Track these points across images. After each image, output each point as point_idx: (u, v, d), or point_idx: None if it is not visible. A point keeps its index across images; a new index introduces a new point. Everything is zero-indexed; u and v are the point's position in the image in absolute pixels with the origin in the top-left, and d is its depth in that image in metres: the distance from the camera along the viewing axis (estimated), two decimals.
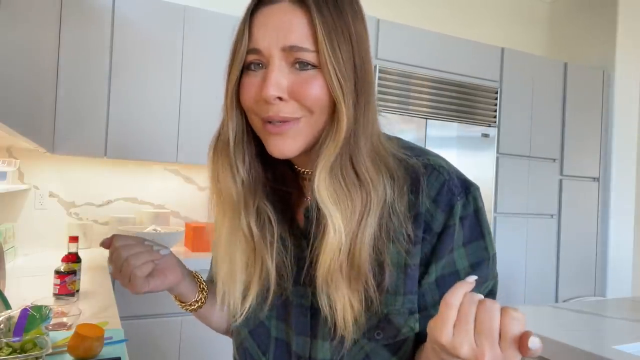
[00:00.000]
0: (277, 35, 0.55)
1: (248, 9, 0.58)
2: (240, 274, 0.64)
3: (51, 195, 2.51)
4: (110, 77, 2.33)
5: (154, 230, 2.42)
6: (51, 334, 1.02)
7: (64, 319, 1.19)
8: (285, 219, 0.66)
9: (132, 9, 2.36)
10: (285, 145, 0.58)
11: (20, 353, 0.84)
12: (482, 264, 0.60)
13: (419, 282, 0.60)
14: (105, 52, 2.32)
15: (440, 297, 0.56)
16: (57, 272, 1.49)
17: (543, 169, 3.38)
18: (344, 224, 0.55)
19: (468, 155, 3.06)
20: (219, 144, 0.63)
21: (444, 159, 0.63)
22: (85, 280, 1.74)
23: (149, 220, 2.56)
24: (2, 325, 0.91)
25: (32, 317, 0.94)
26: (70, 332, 0.99)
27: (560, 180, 3.46)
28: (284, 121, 0.56)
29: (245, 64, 0.58)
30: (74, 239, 1.61)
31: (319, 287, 0.58)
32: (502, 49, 3.23)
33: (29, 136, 1.56)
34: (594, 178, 3.61)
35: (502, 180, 3.21)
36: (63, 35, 2.22)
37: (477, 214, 0.60)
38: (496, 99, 3.18)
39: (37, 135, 1.79)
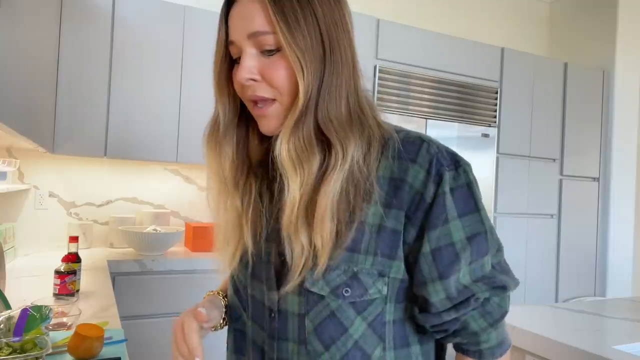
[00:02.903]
0: (242, 25, 0.63)
1: (223, 5, 0.67)
2: (230, 239, 0.71)
3: (51, 195, 2.51)
4: (110, 77, 2.34)
5: (154, 230, 2.42)
6: (51, 334, 1.02)
7: (64, 319, 1.19)
8: (269, 175, 0.71)
9: (132, 9, 2.37)
10: (270, 124, 0.66)
11: (20, 353, 0.84)
12: (478, 236, 0.62)
13: (413, 253, 0.64)
14: (105, 52, 2.32)
15: (438, 270, 0.61)
16: (57, 272, 1.49)
17: (543, 169, 3.39)
18: (303, 182, 0.61)
19: (468, 155, 3.06)
20: (213, 129, 0.71)
21: (436, 140, 0.67)
22: (85, 280, 1.74)
23: (149, 220, 2.56)
24: (2, 325, 0.91)
25: (32, 317, 0.94)
26: (70, 332, 0.99)
27: (560, 180, 3.46)
28: (263, 101, 0.64)
29: (233, 57, 0.67)
30: (74, 239, 1.61)
31: (283, 239, 0.64)
32: (502, 49, 3.23)
33: (29, 136, 1.56)
34: (594, 178, 3.61)
35: (502, 180, 3.21)
36: (63, 35, 2.22)
37: (470, 187, 0.63)
38: (496, 99, 3.18)
39: (37, 135, 1.79)
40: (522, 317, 1.47)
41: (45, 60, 1.92)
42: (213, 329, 0.77)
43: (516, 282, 0.66)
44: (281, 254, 0.66)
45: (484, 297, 0.63)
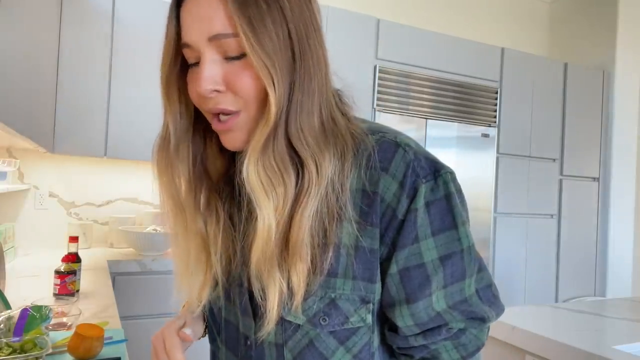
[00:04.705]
0: (200, 27, 0.53)
1: (173, 2, 0.57)
2: (195, 268, 0.64)
3: (51, 195, 2.50)
4: (110, 77, 2.33)
5: (154, 230, 2.42)
6: (51, 334, 1.02)
7: (64, 319, 1.18)
8: (235, 198, 0.64)
9: (132, 9, 2.36)
10: (235, 139, 0.57)
11: (20, 353, 0.84)
12: (453, 256, 0.56)
13: (383, 273, 0.58)
14: (105, 52, 2.32)
15: (406, 292, 0.56)
16: (57, 272, 1.48)
17: (543, 169, 3.38)
18: (277, 211, 0.54)
19: (468, 155, 3.06)
20: (163, 144, 0.61)
21: (413, 140, 0.59)
22: (85, 280, 1.74)
23: (149, 220, 2.56)
24: (2, 325, 0.91)
25: (32, 317, 0.94)
26: (70, 332, 0.99)
27: (560, 180, 3.46)
28: (226, 114, 0.56)
29: (189, 62, 0.57)
30: (74, 239, 1.61)
31: (252, 272, 0.56)
32: (502, 49, 3.23)
33: (29, 136, 1.56)
34: (594, 178, 3.61)
35: (502, 180, 3.21)
36: (63, 35, 2.22)
37: (449, 199, 0.56)
38: (496, 99, 3.18)
39: (37, 135, 1.79)
40: (522, 317, 1.47)
41: (45, 60, 1.92)
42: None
43: (499, 312, 0.61)
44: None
45: (458, 328, 0.59)
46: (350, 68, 2.73)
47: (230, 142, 0.58)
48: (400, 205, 0.55)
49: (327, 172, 0.54)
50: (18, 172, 2.41)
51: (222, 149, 0.63)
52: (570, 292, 3.46)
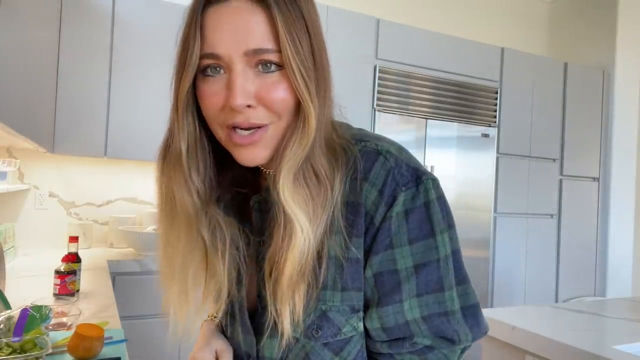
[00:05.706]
0: (236, 39, 0.51)
1: (196, 8, 0.54)
2: (192, 292, 0.61)
3: (51, 195, 2.50)
4: (110, 77, 2.33)
5: (154, 230, 2.42)
6: (51, 334, 1.02)
7: (64, 319, 1.19)
8: (239, 219, 0.63)
9: (132, 9, 2.36)
10: (256, 154, 0.55)
11: (20, 353, 0.84)
12: (429, 265, 0.55)
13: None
14: (105, 52, 2.32)
15: (378, 295, 0.56)
16: (57, 272, 1.48)
17: (543, 169, 3.39)
18: (316, 229, 0.54)
19: (468, 155, 3.06)
20: (170, 155, 0.58)
21: (396, 146, 0.59)
22: (85, 280, 1.74)
23: (149, 220, 2.56)
24: (2, 325, 0.91)
25: (32, 317, 0.94)
26: (70, 332, 0.99)
27: (560, 180, 3.46)
28: (253, 128, 0.54)
29: (200, 67, 0.54)
30: (74, 239, 1.61)
31: (275, 288, 0.55)
32: (502, 49, 3.23)
33: (29, 136, 1.56)
34: (594, 178, 3.61)
35: (502, 180, 3.21)
36: (63, 35, 2.22)
37: (429, 207, 0.55)
38: (496, 99, 3.18)
39: (37, 135, 1.79)
40: (522, 317, 1.47)
41: (45, 60, 1.92)
42: None
43: (478, 335, 0.58)
44: (260, 298, 0.61)
45: (424, 344, 0.57)
46: (350, 68, 2.73)
47: (250, 157, 0.55)
48: (378, 213, 0.55)
49: (335, 189, 0.55)
50: (18, 172, 2.41)
51: (225, 168, 0.61)
52: (570, 292, 3.46)
